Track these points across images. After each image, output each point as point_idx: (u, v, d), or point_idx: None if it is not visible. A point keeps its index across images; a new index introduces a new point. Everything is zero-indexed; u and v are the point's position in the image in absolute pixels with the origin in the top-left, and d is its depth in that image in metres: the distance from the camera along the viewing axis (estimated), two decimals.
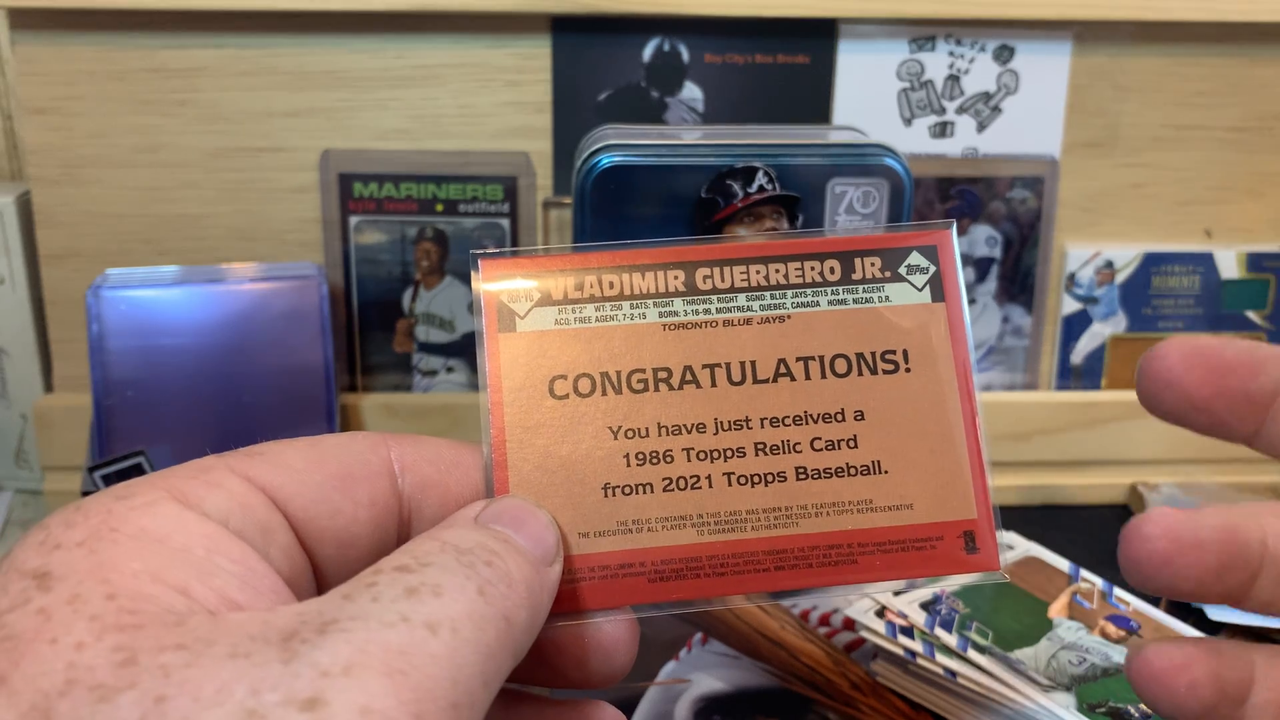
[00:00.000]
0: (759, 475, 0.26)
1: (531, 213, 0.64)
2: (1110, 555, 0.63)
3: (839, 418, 0.26)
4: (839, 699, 0.48)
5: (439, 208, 0.64)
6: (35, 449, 0.66)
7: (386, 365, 0.66)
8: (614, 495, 0.26)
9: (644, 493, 0.26)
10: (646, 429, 0.26)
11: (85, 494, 0.54)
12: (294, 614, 0.19)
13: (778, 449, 0.26)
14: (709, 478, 0.26)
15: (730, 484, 0.26)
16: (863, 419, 0.26)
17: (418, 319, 0.66)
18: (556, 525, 0.25)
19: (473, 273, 0.27)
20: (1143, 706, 0.42)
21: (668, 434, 0.26)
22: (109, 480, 0.54)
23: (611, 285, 0.27)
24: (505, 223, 0.64)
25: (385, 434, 0.26)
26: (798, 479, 0.26)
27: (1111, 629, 0.47)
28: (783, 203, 0.50)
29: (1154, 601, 0.51)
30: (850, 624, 0.50)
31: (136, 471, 0.54)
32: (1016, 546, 0.53)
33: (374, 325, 0.66)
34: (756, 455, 0.26)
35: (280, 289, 0.60)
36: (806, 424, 0.26)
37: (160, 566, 0.20)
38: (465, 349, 0.67)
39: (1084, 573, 0.51)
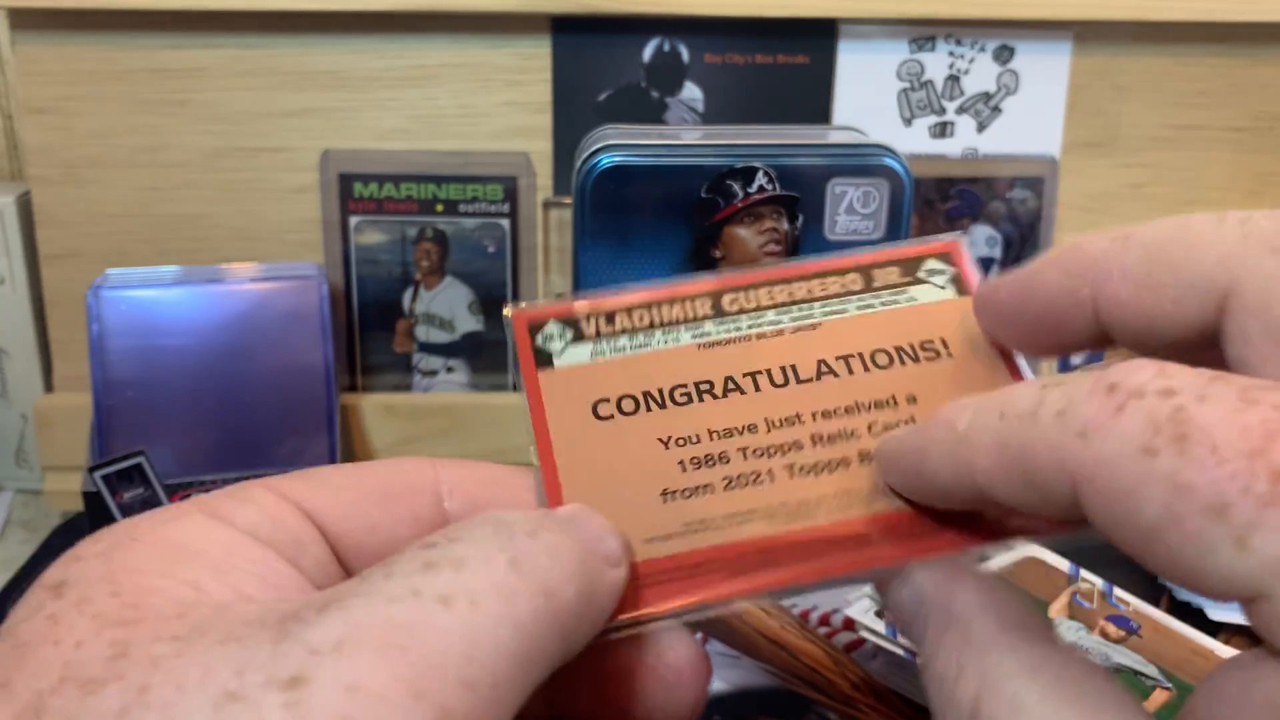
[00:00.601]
0: (821, 463, 0.25)
1: (531, 213, 0.64)
2: (1110, 555, 0.63)
3: (892, 403, 0.26)
4: (839, 699, 0.48)
5: (439, 208, 0.64)
6: (35, 449, 0.66)
7: (387, 365, 0.66)
8: (674, 499, 0.25)
9: (705, 493, 0.25)
10: (697, 435, 0.26)
11: (86, 494, 0.54)
12: (301, 599, 0.18)
13: (835, 438, 0.26)
14: (770, 472, 0.25)
15: (793, 475, 0.25)
16: (915, 402, 0.26)
17: (418, 319, 0.66)
18: (619, 533, 0.24)
19: (505, 327, 0.27)
20: (1143, 706, 0.42)
21: (720, 438, 0.26)
22: (109, 480, 0.54)
23: (641, 317, 0.27)
24: (505, 223, 0.64)
25: (434, 458, 0.25)
26: (861, 463, 0.26)
27: (1111, 629, 0.47)
28: (783, 203, 0.50)
29: (1154, 601, 0.52)
30: (850, 624, 0.50)
31: (137, 471, 0.54)
32: (1016, 546, 0.53)
33: (374, 325, 0.66)
34: (814, 446, 0.26)
35: (280, 289, 0.60)
36: (860, 412, 0.26)
37: (172, 564, 0.19)
38: (465, 349, 0.67)
39: (1084, 573, 0.51)
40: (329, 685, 0.16)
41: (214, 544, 0.20)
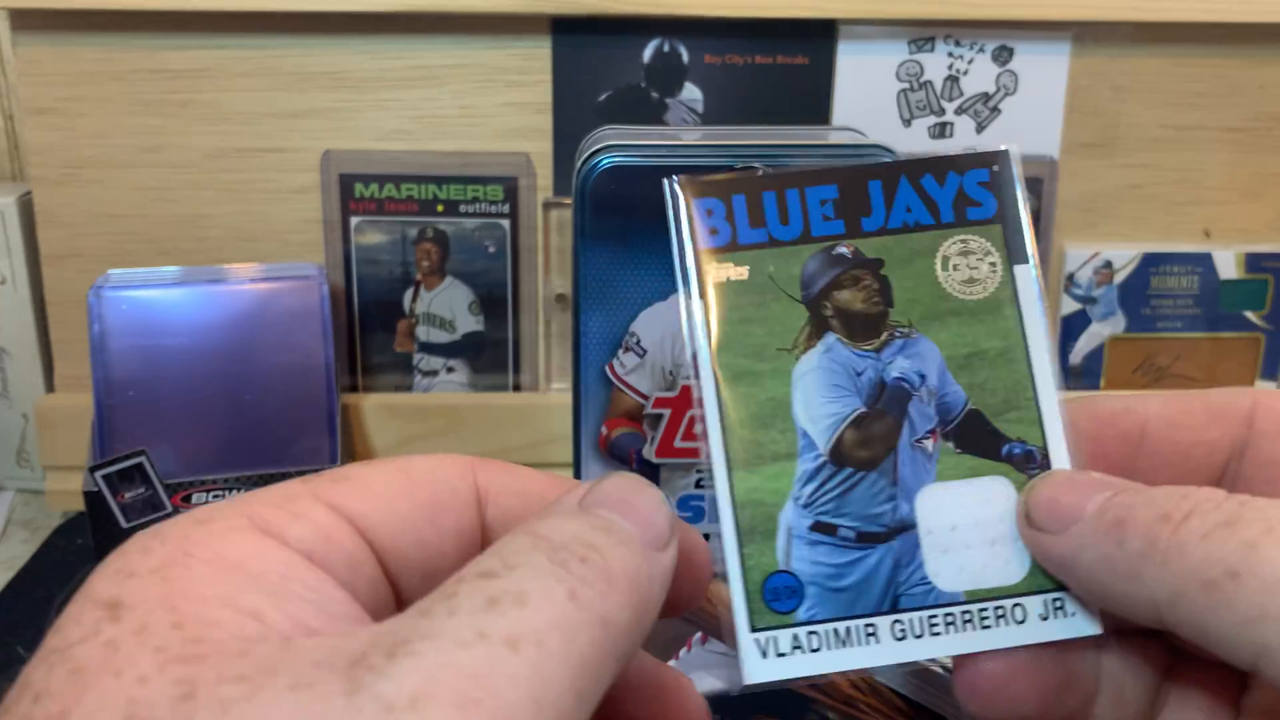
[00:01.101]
0: None
1: (532, 213, 0.64)
2: None
3: None
4: (839, 699, 0.48)
5: (439, 208, 0.64)
6: (36, 449, 0.66)
7: (387, 365, 0.66)
8: None
9: None
10: None
11: (87, 494, 0.54)
12: (366, 636, 0.18)
13: None
14: None
15: None
16: None
17: (418, 319, 0.66)
18: (668, 504, 0.24)
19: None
20: None
21: None
22: (110, 480, 0.54)
23: None
24: (505, 223, 0.64)
25: (474, 459, 0.25)
26: None
27: None
28: None
29: None
30: None
31: (138, 471, 0.54)
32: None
33: (375, 325, 0.66)
34: None
35: (281, 289, 0.60)
36: None
37: (232, 591, 0.19)
38: (466, 349, 0.67)
39: None
40: None
41: (271, 566, 0.20)
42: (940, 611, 0.26)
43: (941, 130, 0.65)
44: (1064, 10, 0.62)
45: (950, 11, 0.61)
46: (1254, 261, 0.68)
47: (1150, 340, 0.69)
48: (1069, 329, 0.69)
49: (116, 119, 0.62)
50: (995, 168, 0.29)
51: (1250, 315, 0.69)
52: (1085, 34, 0.64)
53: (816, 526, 0.26)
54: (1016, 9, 0.62)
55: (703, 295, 0.27)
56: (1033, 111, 0.65)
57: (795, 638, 0.26)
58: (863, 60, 0.64)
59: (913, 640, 0.26)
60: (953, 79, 0.64)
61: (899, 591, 0.26)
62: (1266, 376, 0.70)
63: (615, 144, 0.50)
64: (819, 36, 0.63)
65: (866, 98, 0.64)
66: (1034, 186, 0.66)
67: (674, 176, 0.27)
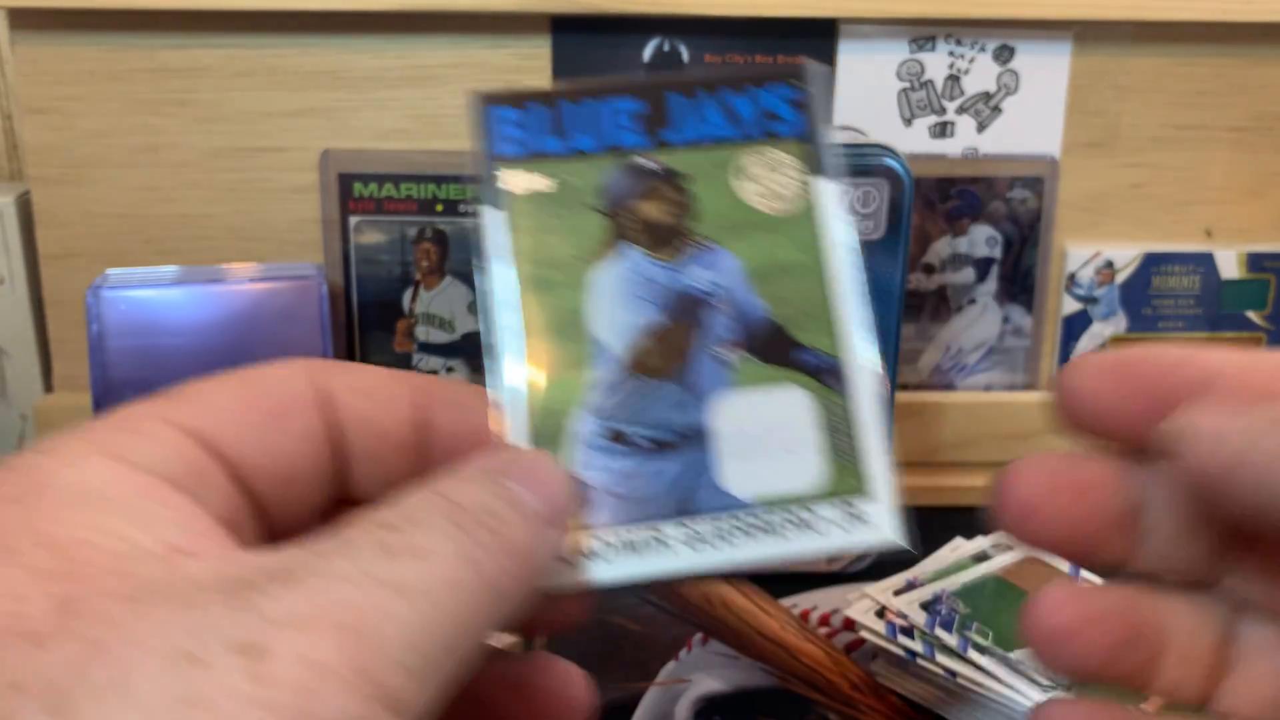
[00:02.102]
0: None
1: None
2: None
3: None
4: (839, 699, 0.48)
5: (439, 208, 0.64)
6: None
7: (386, 365, 0.66)
8: None
9: None
10: None
11: None
12: (255, 564, 0.18)
13: None
14: None
15: None
16: None
17: (418, 319, 0.66)
18: (572, 484, 0.24)
19: None
20: (1143, 706, 0.42)
21: None
22: None
23: None
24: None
25: (313, 361, 0.25)
26: None
27: None
28: None
29: None
30: (850, 624, 0.50)
31: None
32: (1017, 546, 0.53)
33: (374, 325, 0.66)
34: None
35: (280, 289, 0.60)
36: None
37: (94, 516, 0.19)
38: (465, 349, 0.67)
39: (1084, 573, 0.51)
40: (286, 655, 0.17)
41: (126, 489, 0.20)
42: (733, 518, 0.26)
43: (943, 130, 0.65)
44: (1065, 9, 0.62)
45: (951, 11, 0.61)
46: (1256, 261, 0.68)
47: (1151, 340, 0.69)
48: (1070, 329, 0.69)
49: (115, 118, 0.62)
50: (799, 83, 0.29)
51: (1252, 315, 0.69)
52: (1086, 33, 0.64)
53: (609, 434, 0.26)
54: (1017, 8, 0.61)
55: (499, 204, 0.27)
56: (1034, 111, 0.65)
57: (586, 545, 0.25)
58: (863, 59, 0.63)
59: (705, 547, 0.26)
60: (954, 78, 0.64)
61: (691, 498, 0.26)
62: None
63: None
64: (819, 36, 0.63)
65: (867, 97, 0.64)
66: (1035, 186, 0.66)
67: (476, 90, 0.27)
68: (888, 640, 0.46)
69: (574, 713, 0.25)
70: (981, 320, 0.68)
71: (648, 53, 0.63)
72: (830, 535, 0.26)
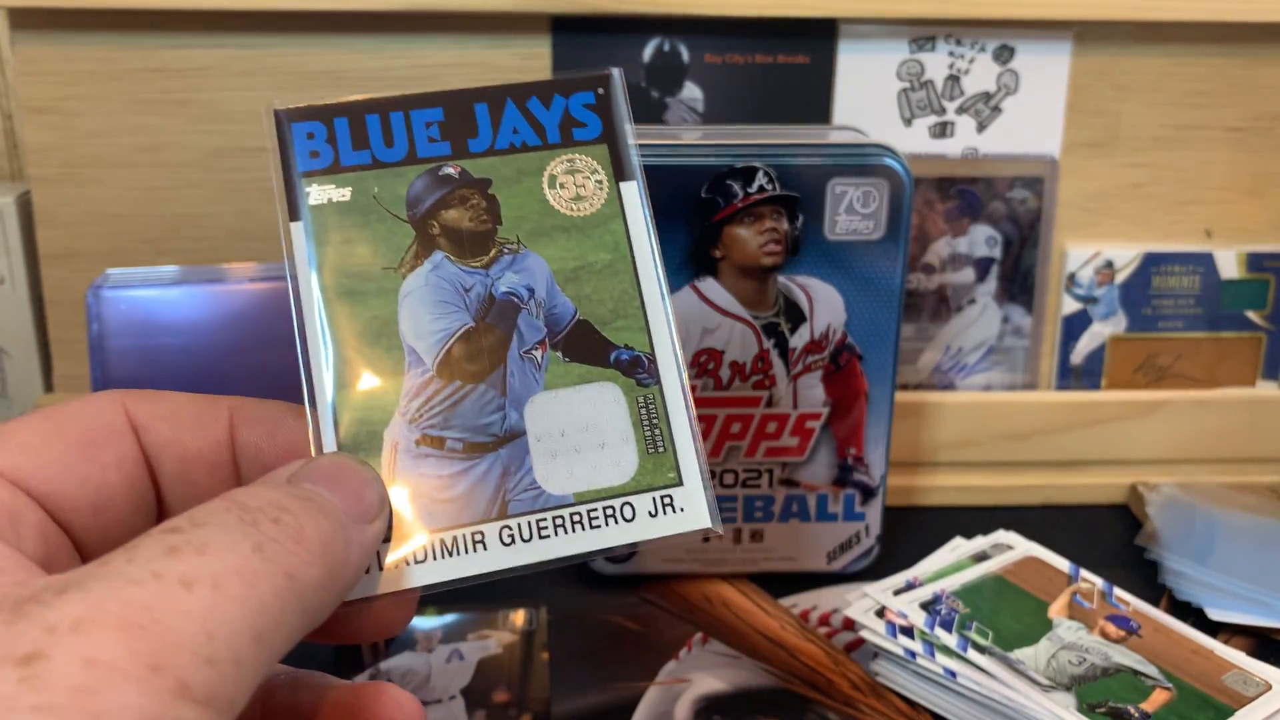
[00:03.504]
0: None
1: None
2: (1110, 555, 0.63)
3: None
4: (839, 699, 0.48)
5: None
6: None
7: None
8: None
9: None
10: None
11: None
12: (41, 582, 0.19)
13: None
14: None
15: None
16: None
17: None
18: (380, 483, 0.25)
19: None
20: (1143, 706, 0.42)
21: None
22: None
23: None
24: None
25: (123, 391, 0.26)
26: None
27: (1111, 629, 0.47)
28: (783, 203, 0.50)
29: (1153, 601, 0.52)
30: (850, 624, 0.50)
31: None
32: (1016, 546, 0.53)
33: None
34: None
35: (280, 289, 0.60)
36: None
37: None
38: None
39: (1084, 573, 0.51)
40: (66, 659, 0.17)
41: None
42: (550, 514, 0.26)
43: (943, 130, 0.65)
44: (1065, 9, 0.62)
45: (951, 11, 0.61)
46: (1255, 261, 0.68)
47: (1151, 340, 0.69)
48: (1070, 329, 0.69)
49: (115, 118, 0.62)
50: (600, 91, 0.30)
51: (1252, 315, 0.69)
52: (1086, 33, 0.64)
53: (423, 440, 0.26)
54: (1017, 8, 0.61)
55: (304, 218, 0.28)
56: (1034, 111, 0.65)
57: (401, 550, 0.26)
58: (863, 59, 0.63)
59: (522, 545, 0.26)
60: (954, 78, 0.64)
61: (508, 498, 0.26)
62: (1268, 376, 0.70)
63: None
64: (820, 36, 0.63)
65: (867, 97, 0.64)
66: (1035, 186, 0.66)
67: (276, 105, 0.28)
68: (888, 640, 0.46)
69: None
70: (981, 320, 0.68)
71: (648, 53, 0.63)
72: (645, 525, 0.26)
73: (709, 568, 0.55)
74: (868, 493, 0.55)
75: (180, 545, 0.19)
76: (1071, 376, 0.69)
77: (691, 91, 0.64)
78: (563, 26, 0.62)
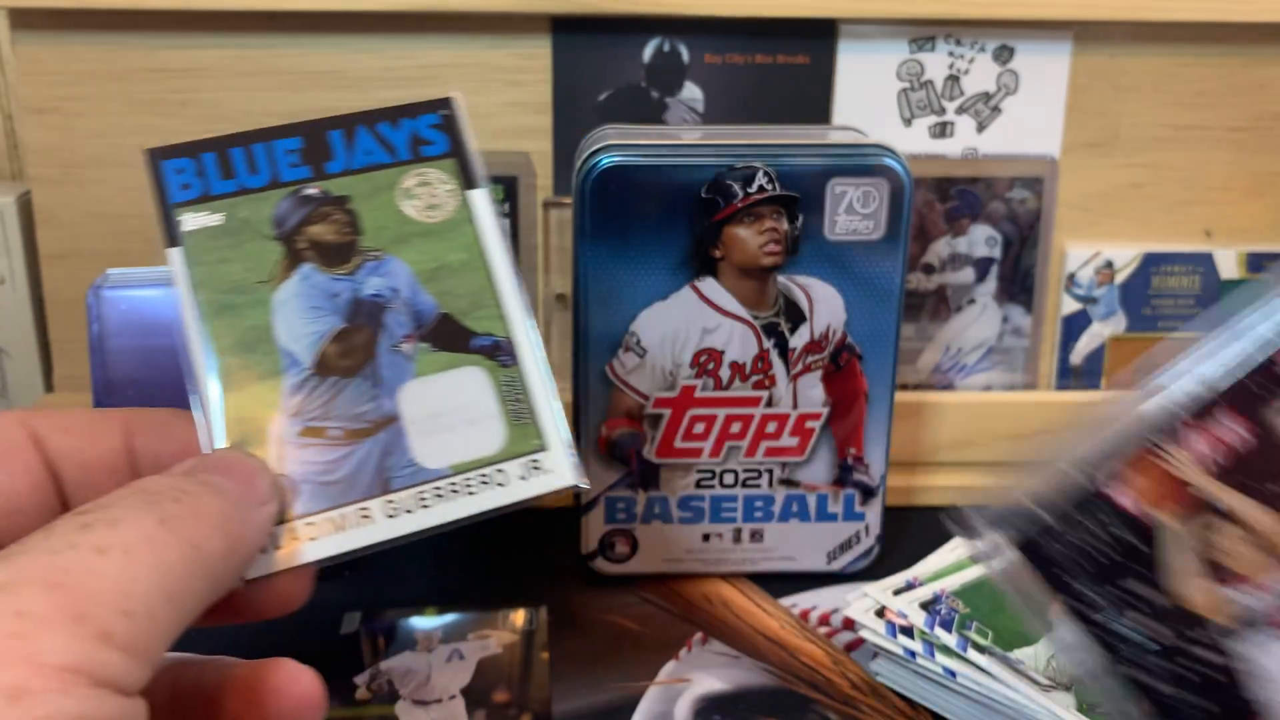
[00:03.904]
0: None
1: (532, 213, 0.64)
2: None
3: None
4: (839, 699, 0.48)
5: None
6: None
7: None
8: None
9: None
10: None
11: None
12: None
13: None
14: None
15: None
16: None
17: None
18: (270, 471, 0.28)
19: None
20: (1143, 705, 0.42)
21: None
22: None
23: None
24: (505, 222, 0.64)
25: (23, 410, 0.29)
26: None
27: None
28: (783, 203, 0.50)
29: None
30: (850, 624, 0.50)
31: None
32: None
33: None
34: None
35: None
36: None
37: None
38: None
39: None
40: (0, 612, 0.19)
41: None
42: (429, 486, 0.29)
43: (942, 130, 0.65)
44: (1065, 9, 0.62)
45: (951, 11, 0.61)
46: (1255, 262, 0.68)
47: (1151, 340, 0.69)
48: (1070, 329, 0.69)
49: (116, 118, 0.62)
50: (445, 112, 0.35)
51: None
52: (1086, 33, 0.64)
53: (306, 431, 0.30)
54: (1017, 8, 0.61)
55: (180, 243, 0.32)
56: (1034, 111, 0.65)
57: (292, 532, 0.28)
58: (863, 59, 0.64)
59: (406, 515, 0.29)
60: (953, 78, 0.64)
61: (389, 476, 0.29)
62: None
63: (615, 143, 0.50)
64: (819, 36, 0.63)
65: (867, 97, 0.64)
66: (1035, 186, 0.66)
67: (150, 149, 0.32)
68: (888, 640, 0.46)
69: (305, 712, 0.27)
70: (981, 320, 0.68)
71: (648, 53, 0.63)
72: (517, 487, 0.30)
73: (709, 568, 0.55)
74: (868, 493, 0.55)
75: (92, 522, 0.22)
76: (1071, 377, 0.69)
77: (691, 91, 0.64)
78: (563, 26, 0.62)
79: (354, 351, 0.30)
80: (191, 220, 0.32)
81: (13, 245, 0.64)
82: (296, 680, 0.27)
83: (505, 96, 0.63)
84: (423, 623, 0.51)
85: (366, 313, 0.31)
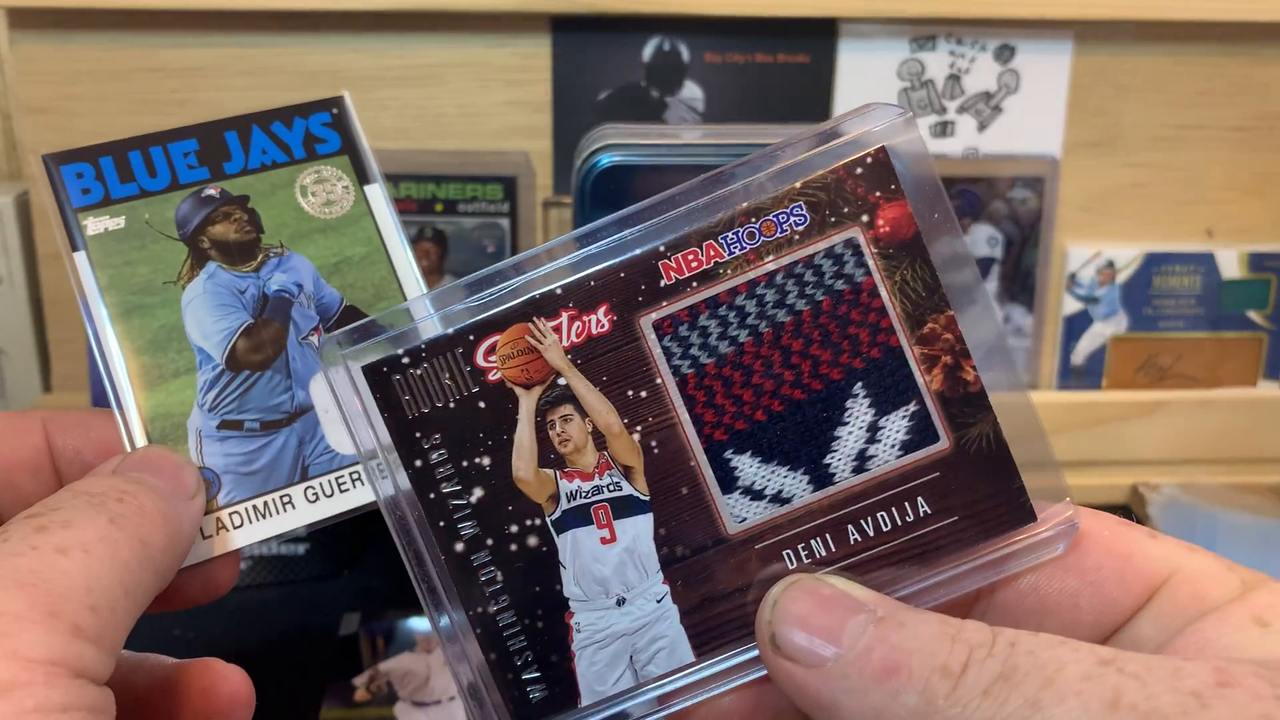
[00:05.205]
0: None
1: (531, 212, 0.64)
2: None
3: None
4: None
5: (438, 208, 0.64)
6: None
7: None
8: None
9: None
10: None
11: None
12: None
13: None
14: None
15: None
16: None
17: None
18: (193, 465, 0.29)
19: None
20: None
21: None
22: None
23: None
24: (505, 222, 0.64)
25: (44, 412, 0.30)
26: None
27: None
28: None
29: None
30: None
31: None
32: None
33: None
34: None
35: None
36: None
37: None
38: None
39: None
40: None
41: None
42: (346, 471, 0.31)
43: (943, 129, 0.65)
44: (1066, 9, 0.61)
45: (952, 10, 0.61)
46: (1257, 261, 0.68)
47: (1152, 340, 0.69)
48: (1071, 329, 0.68)
49: (114, 118, 0.62)
50: (335, 111, 0.36)
51: (1253, 315, 0.69)
52: (1087, 33, 0.64)
53: (223, 425, 0.31)
54: (1018, 8, 0.61)
55: (84, 248, 0.32)
56: (1035, 110, 0.65)
57: (219, 521, 0.30)
58: (864, 59, 0.63)
59: (325, 500, 0.30)
60: (954, 78, 0.64)
61: (307, 463, 0.31)
62: (1269, 377, 0.69)
63: (615, 142, 0.50)
64: (820, 35, 0.63)
65: (868, 96, 0.64)
66: (1035, 185, 0.66)
67: (43, 155, 0.32)
68: None
69: (234, 711, 0.28)
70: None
71: (648, 52, 0.63)
72: None
73: None
74: None
75: (47, 524, 0.23)
76: (1072, 376, 0.69)
77: (691, 91, 0.64)
78: (563, 26, 0.62)
79: (264, 346, 0.32)
80: (94, 225, 0.32)
81: (11, 245, 0.64)
82: (226, 680, 0.28)
83: (505, 96, 0.63)
84: (422, 624, 0.51)
85: (273, 308, 0.32)
